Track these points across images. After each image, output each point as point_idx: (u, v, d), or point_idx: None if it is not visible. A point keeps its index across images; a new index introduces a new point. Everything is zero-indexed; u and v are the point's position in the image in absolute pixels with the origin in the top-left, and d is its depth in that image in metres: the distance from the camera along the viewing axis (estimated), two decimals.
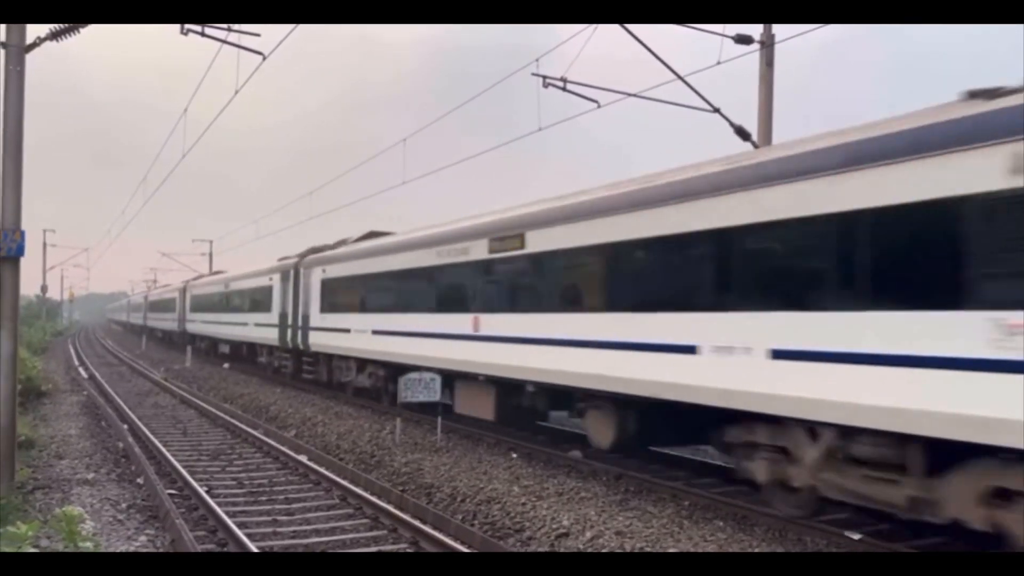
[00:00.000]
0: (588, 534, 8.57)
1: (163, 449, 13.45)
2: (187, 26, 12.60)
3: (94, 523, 8.93)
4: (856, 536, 8.41)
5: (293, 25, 11.44)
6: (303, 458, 13.14)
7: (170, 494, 10.38)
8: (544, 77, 15.10)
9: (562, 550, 8.22)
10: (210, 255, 58.69)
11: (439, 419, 14.86)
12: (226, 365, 33.53)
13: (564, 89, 15.33)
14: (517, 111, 19.40)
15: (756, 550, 8.15)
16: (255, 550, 7.92)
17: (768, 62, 14.87)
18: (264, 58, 13.20)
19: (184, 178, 35.89)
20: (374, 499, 10.13)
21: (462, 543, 8.36)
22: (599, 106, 15.48)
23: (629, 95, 15.63)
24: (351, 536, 8.93)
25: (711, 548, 8.14)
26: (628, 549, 8.07)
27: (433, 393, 14.54)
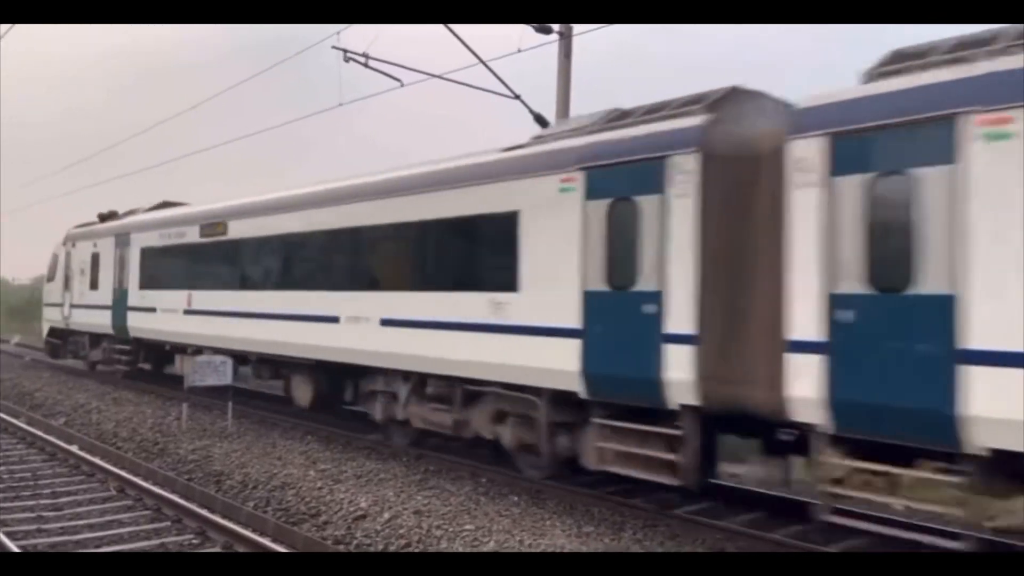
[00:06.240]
0: (386, 515, 8.52)
1: None
2: None
3: None
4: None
5: None
6: (74, 448, 12.07)
7: None
8: (345, 51, 14.73)
9: (359, 533, 8.12)
10: None
11: (230, 404, 14.21)
12: None
13: (366, 65, 15.04)
14: (321, 85, 18.82)
15: (547, 523, 8.47)
16: (16, 550, 7.18)
17: (566, 53, 15.34)
18: None
19: None
20: (156, 489, 9.50)
21: (253, 531, 8.04)
22: (402, 85, 15.35)
23: (432, 76, 15.59)
24: (130, 529, 8.32)
25: (505, 523, 8.37)
26: (425, 528, 8.11)
27: (224, 377, 13.88)
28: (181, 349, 17.50)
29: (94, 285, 21.20)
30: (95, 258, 21.36)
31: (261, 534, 7.97)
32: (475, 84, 15.58)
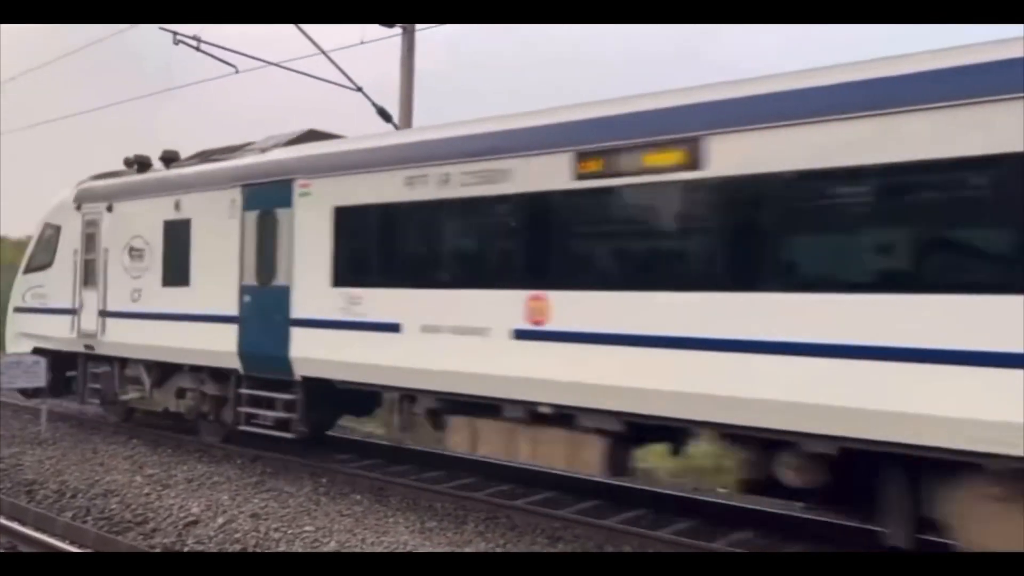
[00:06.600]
0: (220, 520, 8.19)
1: None
2: None
3: None
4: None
5: None
6: None
7: None
8: (175, 33, 14.01)
9: (191, 539, 7.76)
10: None
11: (44, 408, 13.17)
12: None
13: (198, 49, 14.36)
14: (153, 66, 17.75)
15: (390, 520, 8.42)
16: None
17: (408, 48, 15.26)
18: None
19: None
20: None
21: (71, 543, 7.51)
22: (237, 71, 14.78)
23: (268, 63, 15.11)
24: None
25: (348, 522, 8.24)
26: (263, 531, 7.86)
27: (37, 378, 12.86)
28: (481, 407, 8.69)
29: (175, 278, 11.91)
30: (173, 229, 12.02)
31: (80, 546, 7.46)
32: (315, 74, 15.24)
